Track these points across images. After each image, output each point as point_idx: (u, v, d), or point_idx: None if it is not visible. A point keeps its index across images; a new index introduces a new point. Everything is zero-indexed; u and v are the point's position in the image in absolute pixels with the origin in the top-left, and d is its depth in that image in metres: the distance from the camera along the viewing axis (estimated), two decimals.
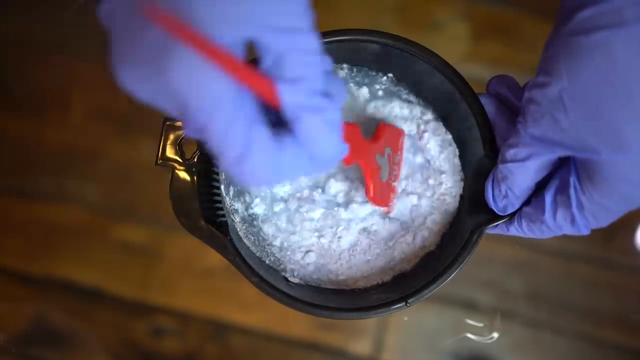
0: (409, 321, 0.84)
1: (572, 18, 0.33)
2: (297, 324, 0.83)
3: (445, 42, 0.89)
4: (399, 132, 0.46)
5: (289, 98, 0.31)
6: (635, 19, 0.31)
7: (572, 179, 0.37)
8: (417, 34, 0.91)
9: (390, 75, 0.48)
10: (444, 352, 0.83)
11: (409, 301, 0.43)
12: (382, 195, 0.44)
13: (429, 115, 0.47)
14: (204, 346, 0.83)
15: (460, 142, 0.47)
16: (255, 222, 0.47)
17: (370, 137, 0.44)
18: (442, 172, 0.47)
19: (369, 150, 0.42)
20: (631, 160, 0.34)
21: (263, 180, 0.32)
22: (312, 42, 0.31)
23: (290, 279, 0.46)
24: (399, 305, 0.43)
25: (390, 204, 0.45)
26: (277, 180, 0.32)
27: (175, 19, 0.28)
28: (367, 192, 0.43)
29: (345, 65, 0.48)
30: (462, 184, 0.47)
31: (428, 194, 0.47)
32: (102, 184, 0.86)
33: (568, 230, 0.39)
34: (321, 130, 0.32)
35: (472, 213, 0.44)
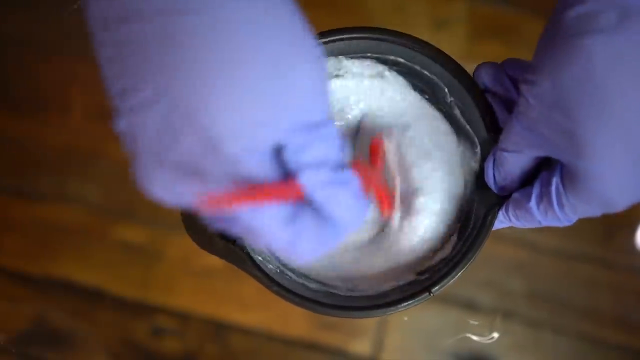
0: (409, 321, 0.84)
1: (559, 17, 0.33)
2: (297, 323, 0.83)
3: (446, 41, 0.89)
4: (380, 140, 0.46)
5: (315, 180, 0.31)
6: (611, 26, 0.31)
7: (556, 179, 0.37)
8: (417, 34, 0.91)
9: (393, 58, 0.47)
10: (444, 352, 0.83)
11: (432, 290, 0.42)
12: (391, 204, 0.45)
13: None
14: (203, 346, 0.83)
15: (465, 129, 0.46)
16: None
17: (367, 159, 0.44)
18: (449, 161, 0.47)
19: (376, 176, 0.42)
20: (607, 170, 0.33)
21: (311, 256, 0.32)
22: (332, 129, 0.31)
23: (308, 284, 0.46)
24: (423, 296, 0.42)
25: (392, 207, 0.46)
26: (320, 252, 0.33)
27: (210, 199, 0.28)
28: (383, 213, 0.44)
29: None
30: (475, 166, 0.46)
31: (438, 177, 0.47)
32: (102, 184, 0.86)
33: (550, 222, 0.39)
34: (351, 202, 0.32)
35: (483, 195, 0.44)
